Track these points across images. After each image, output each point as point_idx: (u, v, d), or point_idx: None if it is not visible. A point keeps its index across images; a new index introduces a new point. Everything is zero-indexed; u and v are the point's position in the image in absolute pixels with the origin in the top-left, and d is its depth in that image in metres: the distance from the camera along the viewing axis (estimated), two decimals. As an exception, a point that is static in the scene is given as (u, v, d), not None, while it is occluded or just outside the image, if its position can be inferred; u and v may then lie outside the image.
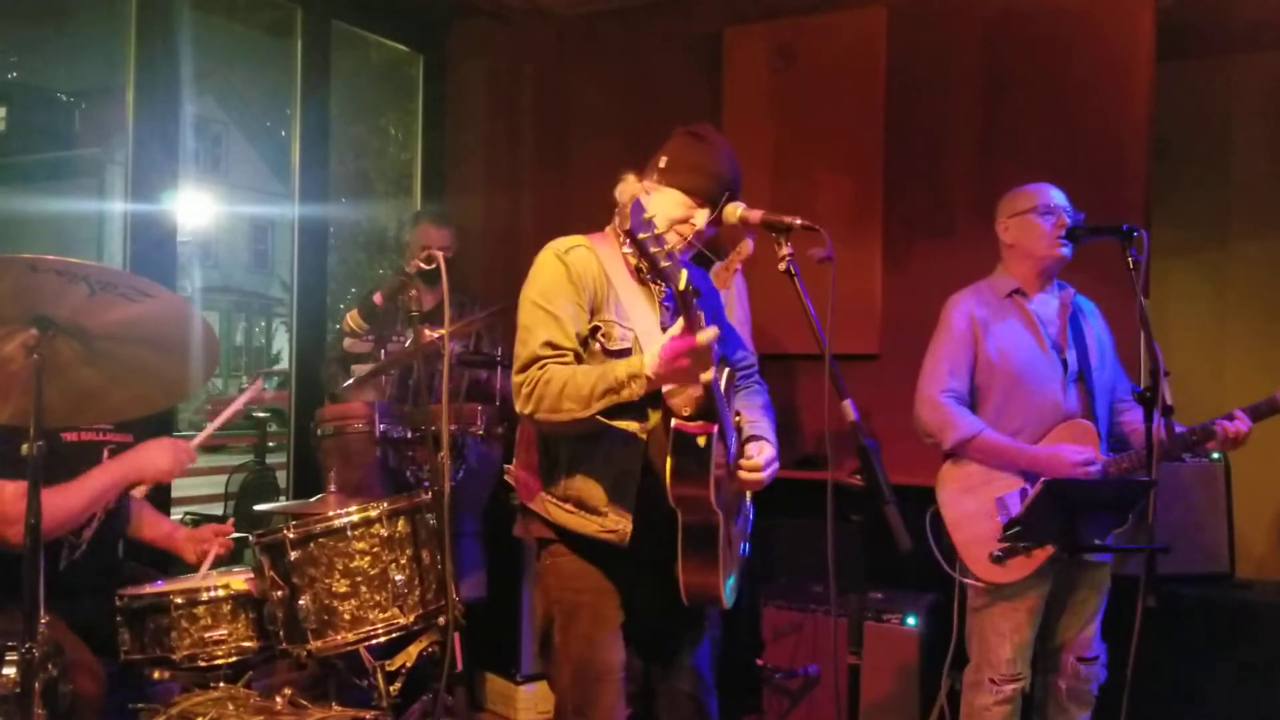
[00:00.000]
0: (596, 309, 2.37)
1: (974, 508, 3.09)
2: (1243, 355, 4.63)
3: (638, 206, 2.06)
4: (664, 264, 2.05)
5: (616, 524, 2.34)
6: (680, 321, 2.10)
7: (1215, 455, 3.72)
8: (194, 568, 2.89)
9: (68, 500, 2.48)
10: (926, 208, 4.17)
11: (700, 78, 4.55)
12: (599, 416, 2.24)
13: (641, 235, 2.04)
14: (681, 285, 2.04)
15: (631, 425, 2.30)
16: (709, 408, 2.21)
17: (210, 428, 2.96)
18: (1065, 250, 3.07)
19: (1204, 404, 3.12)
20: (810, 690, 3.77)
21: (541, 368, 2.28)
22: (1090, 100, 3.90)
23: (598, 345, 2.36)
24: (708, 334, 2.07)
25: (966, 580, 3.08)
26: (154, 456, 2.68)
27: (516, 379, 2.31)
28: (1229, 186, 4.76)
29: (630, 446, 2.34)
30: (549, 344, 2.30)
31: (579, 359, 2.33)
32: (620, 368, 2.21)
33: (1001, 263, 3.21)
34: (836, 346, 2.12)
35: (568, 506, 2.38)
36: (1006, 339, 3.11)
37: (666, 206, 2.40)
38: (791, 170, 4.25)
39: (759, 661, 3.85)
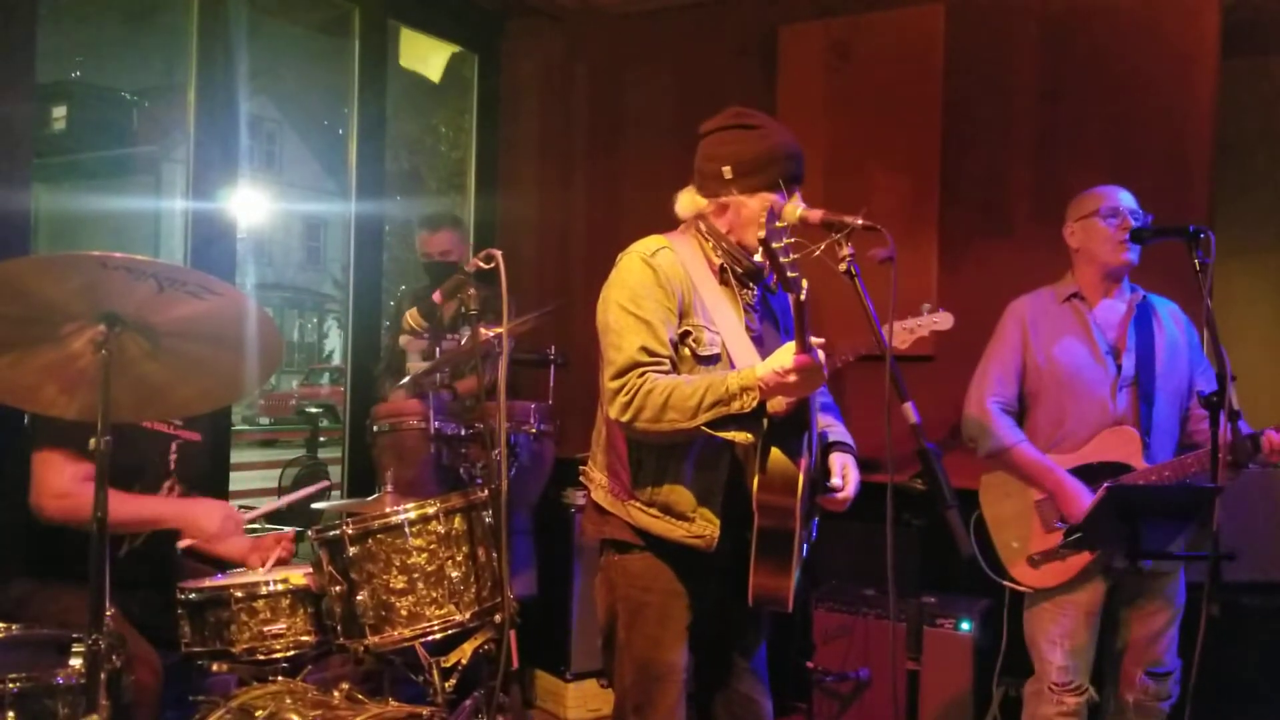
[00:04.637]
0: (685, 313, 2.34)
1: (1013, 511, 3.08)
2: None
3: (771, 215, 2.06)
4: (790, 274, 2.02)
5: (704, 529, 2.32)
6: (793, 337, 2.09)
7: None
8: None
9: (122, 508, 2.49)
10: (983, 208, 4.11)
11: (754, 76, 4.52)
12: (704, 427, 2.20)
13: (775, 244, 2.01)
14: (803, 297, 2.02)
15: (739, 436, 2.22)
16: (801, 416, 2.20)
17: (266, 508, 3.06)
18: (1130, 255, 3.00)
19: (1267, 409, 3.05)
20: (861, 694, 3.74)
21: (641, 375, 2.24)
22: (1153, 99, 3.82)
23: (688, 351, 2.33)
24: (823, 356, 2.09)
25: (1007, 584, 3.08)
26: (204, 519, 2.76)
27: (611, 384, 2.27)
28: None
29: (719, 452, 2.32)
30: (645, 349, 2.26)
31: (674, 366, 2.31)
32: (732, 380, 2.18)
33: (1070, 268, 3.16)
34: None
35: (653, 511, 2.35)
36: (1056, 344, 3.08)
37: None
38: (846, 169, 4.20)
39: (809, 664, 3.82)
